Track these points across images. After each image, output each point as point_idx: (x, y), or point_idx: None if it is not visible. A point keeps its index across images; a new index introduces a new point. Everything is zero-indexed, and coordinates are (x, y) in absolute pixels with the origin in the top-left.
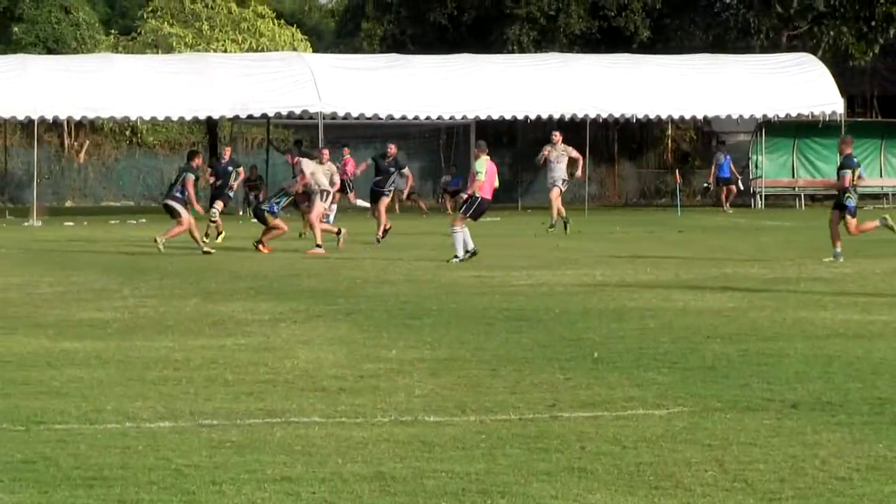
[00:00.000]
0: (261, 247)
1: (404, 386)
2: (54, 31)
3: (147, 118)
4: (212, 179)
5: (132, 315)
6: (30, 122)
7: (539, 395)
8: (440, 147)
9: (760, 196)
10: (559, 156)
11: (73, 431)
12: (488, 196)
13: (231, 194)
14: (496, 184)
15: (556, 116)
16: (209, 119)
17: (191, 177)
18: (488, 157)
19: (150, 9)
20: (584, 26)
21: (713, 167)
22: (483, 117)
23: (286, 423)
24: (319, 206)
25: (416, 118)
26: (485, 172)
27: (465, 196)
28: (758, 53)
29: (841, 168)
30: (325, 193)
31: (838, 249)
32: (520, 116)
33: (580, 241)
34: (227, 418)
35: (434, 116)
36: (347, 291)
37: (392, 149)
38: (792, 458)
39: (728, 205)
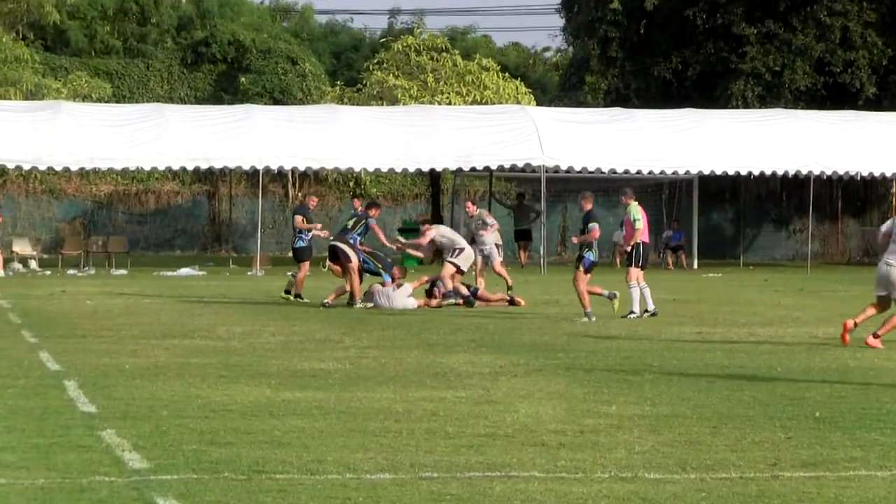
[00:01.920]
0: (514, 298)
1: (624, 442)
2: (281, 82)
3: (371, 169)
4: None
5: (354, 366)
6: (255, 171)
7: (760, 454)
8: (663, 202)
9: None
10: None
11: (294, 481)
12: (647, 240)
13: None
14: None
15: (780, 173)
16: (432, 171)
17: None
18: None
19: (375, 61)
20: (809, 82)
21: None
22: (706, 172)
23: (506, 477)
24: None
25: (638, 172)
26: (642, 218)
27: (628, 248)
28: None
29: (590, 222)
30: (455, 251)
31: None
32: (743, 172)
33: (803, 299)
34: (448, 471)
35: (657, 171)
36: (567, 346)
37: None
38: None
39: None
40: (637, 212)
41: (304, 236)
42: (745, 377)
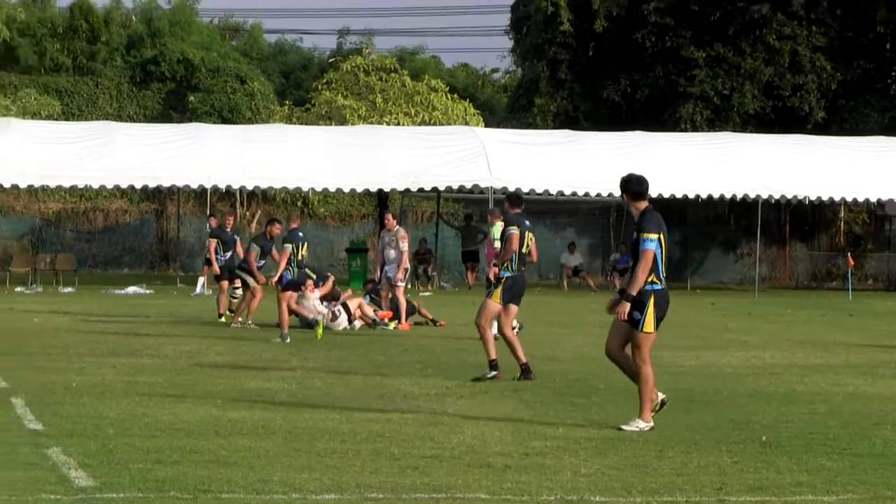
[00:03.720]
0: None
1: (570, 464)
2: (229, 101)
3: (319, 189)
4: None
5: (300, 386)
6: (203, 190)
7: (706, 478)
8: (610, 224)
9: None
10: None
11: (240, 501)
12: None
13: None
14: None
15: (728, 196)
16: (380, 191)
17: (255, 249)
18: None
19: (324, 80)
20: (757, 106)
21: None
22: (654, 195)
23: (451, 498)
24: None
25: (586, 195)
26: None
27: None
28: None
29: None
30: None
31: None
32: (691, 195)
33: (750, 323)
34: (393, 492)
35: (605, 193)
36: (514, 368)
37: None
38: None
39: None
40: (498, 231)
41: (220, 256)
42: (691, 401)
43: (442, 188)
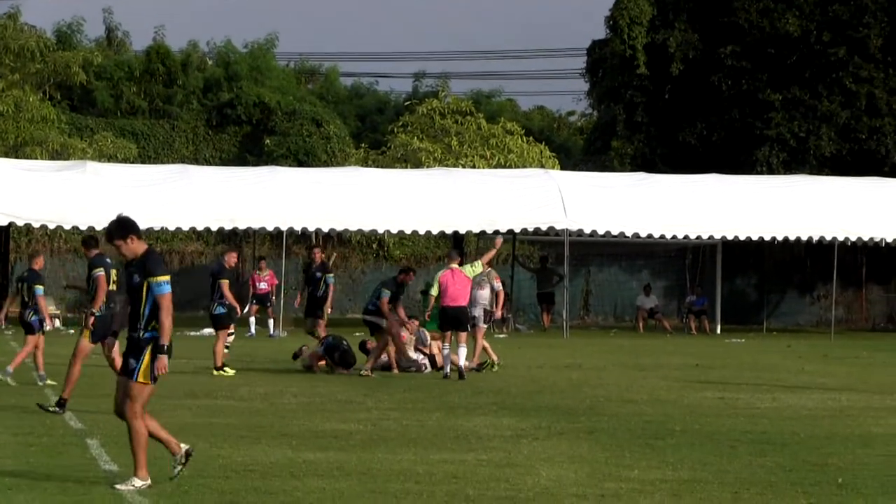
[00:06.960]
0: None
1: None
2: (305, 144)
3: (394, 231)
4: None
5: (375, 427)
6: (279, 233)
7: None
8: (686, 266)
9: None
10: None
11: None
12: (449, 303)
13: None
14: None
15: (804, 238)
16: (455, 233)
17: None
18: (449, 269)
19: (400, 123)
20: (834, 149)
21: None
22: (730, 238)
23: None
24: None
25: (661, 237)
26: (435, 286)
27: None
28: None
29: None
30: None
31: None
32: (767, 237)
33: (826, 366)
34: None
35: (680, 236)
36: (590, 409)
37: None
38: None
39: None
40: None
41: (223, 301)
42: (767, 443)
43: (517, 230)
